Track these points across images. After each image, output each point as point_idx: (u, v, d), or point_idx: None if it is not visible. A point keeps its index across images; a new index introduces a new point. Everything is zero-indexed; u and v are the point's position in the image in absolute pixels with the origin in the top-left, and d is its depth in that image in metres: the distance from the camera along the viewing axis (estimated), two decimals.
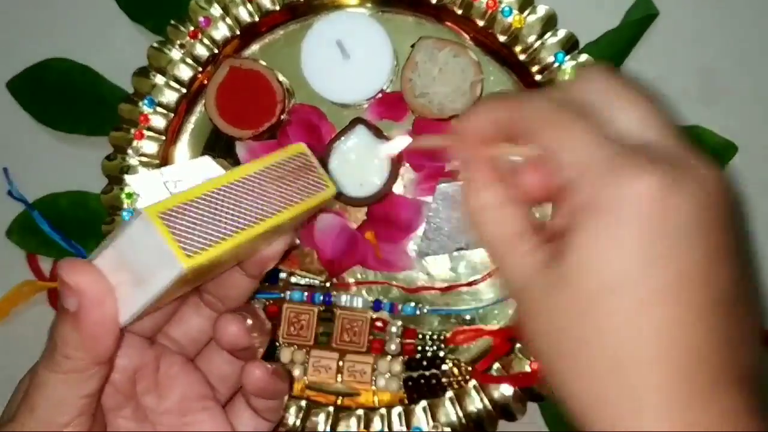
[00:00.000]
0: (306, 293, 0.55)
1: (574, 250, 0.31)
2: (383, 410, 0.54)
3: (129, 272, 0.32)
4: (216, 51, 0.56)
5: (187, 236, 0.32)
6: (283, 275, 0.55)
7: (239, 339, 0.38)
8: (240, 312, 0.39)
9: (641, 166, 0.30)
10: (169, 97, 0.56)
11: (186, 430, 0.39)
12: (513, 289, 0.34)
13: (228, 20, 0.55)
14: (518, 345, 0.54)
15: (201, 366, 0.41)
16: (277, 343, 0.55)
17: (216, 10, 0.55)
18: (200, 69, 0.56)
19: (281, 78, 0.55)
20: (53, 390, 0.35)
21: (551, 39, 0.53)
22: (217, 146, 0.56)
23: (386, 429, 0.54)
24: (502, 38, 0.54)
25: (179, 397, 0.39)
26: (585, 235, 0.31)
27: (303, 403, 0.55)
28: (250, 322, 0.39)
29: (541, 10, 0.53)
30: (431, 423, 0.54)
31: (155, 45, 0.55)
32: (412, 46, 0.53)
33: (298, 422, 0.55)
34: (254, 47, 0.57)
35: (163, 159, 0.56)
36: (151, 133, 0.56)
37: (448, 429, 0.54)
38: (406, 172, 0.55)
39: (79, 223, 0.57)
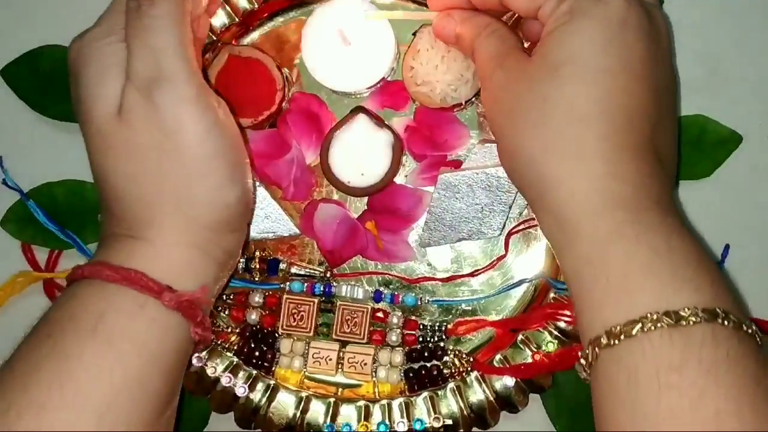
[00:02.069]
0: (306, 284, 0.55)
1: (548, 39, 0.43)
2: (384, 402, 0.54)
3: None
4: (215, 38, 0.55)
5: None
6: (282, 266, 0.55)
7: None
8: None
9: None
10: None
11: None
12: (494, 76, 0.46)
13: (227, 7, 0.55)
14: (520, 336, 0.54)
15: None
16: (277, 334, 0.55)
17: None
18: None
19: (281, 66, 0.54)
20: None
21: None
22: None
23: (387, 421, 0.54)
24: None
25: None
26: (560, 29, 0.43)
27: (303, 394, 0.55)
28: None
29: None
30: (432, 414, 0.54)
31: None
32: (414, 33, 0.52)
33: (297, 414, 0.54)
34: (254, 34, 0.56)
35: None
36: None
37: (450, 421, 0.53)
38: (408, 162, 0.55)
39: (75, 213, 0.56)
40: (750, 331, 0.38)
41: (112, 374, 0.41)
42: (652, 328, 0.37)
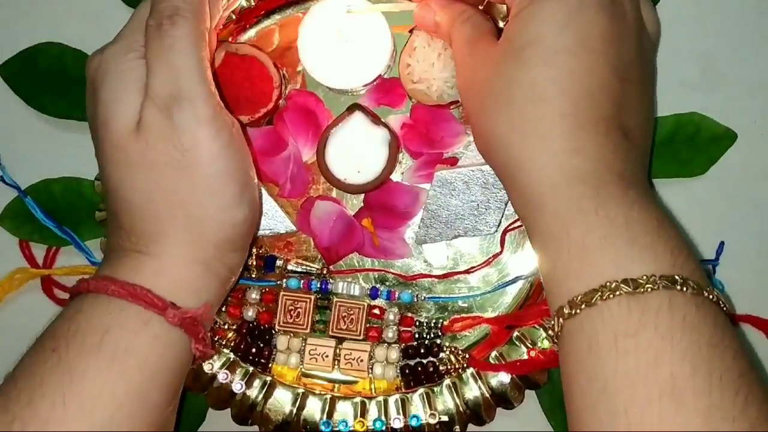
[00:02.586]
0: (302, 281, 0.55)
1: (513, 23, 0.45)
2: (380, 398, 0.54)
3: None
4: None
5: None
6: (279, 263, 0.55)
7: None
8: None
9: None
10: None
11: None
12: (467, 62, 0.47)
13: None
14: (516, 333, 0.54)
15: None
16: (274, 331, 0.55)
17: None
18: None
19: (278, 64, 0.54)
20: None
21: None
22: None
23: (383, 417, 0.54)
24: (501, 24, 0.53)
25: None
26: (523, 12, 0.44)
27: (299, 391, 0.55)
28: None
29: None
30: (428, 411, 0.54)
31: None
32: (411, 31, 0.53)
33: (294, 410, 0.54)
34: (251, 32, 0.56)
35: None
36: None
37: (446, 417, 0.54)
38: (405, 159, 0.55)
39: (73, 210, 0.57)
40: (711, 297, 0.40)
41: (114, 389, 0.42)
42: (611, 296, 0.39)
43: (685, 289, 0.39)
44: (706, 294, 0.39)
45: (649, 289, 0.38)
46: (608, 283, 0.39)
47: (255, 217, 0.49)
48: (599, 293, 0.39)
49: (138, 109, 0.44)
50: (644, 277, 0.39)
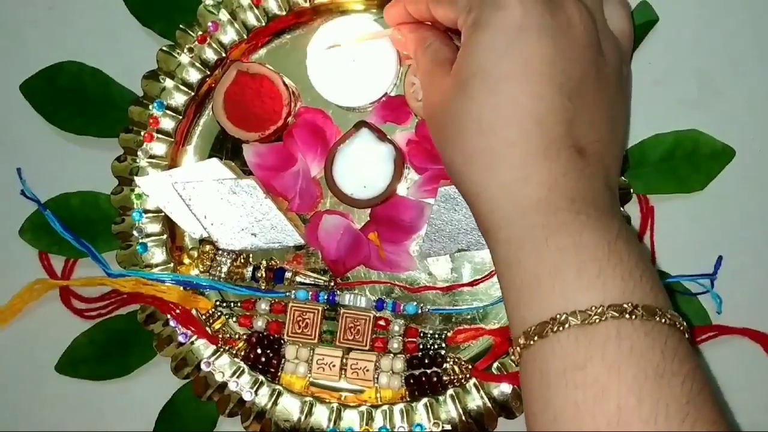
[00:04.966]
0: (311, 292, 0.56)
1: (461, 53, 0.45)
2: (385, 407, 0.56)
3: None
4: (224, 55, 0.57)
5: None
6: (288, 275, 0.56)
7: None
8: None
9: None
10: (178, 100, 0.57)
11: None
12: (428, 93, 0.48)
13: (236, 25, 0.56)
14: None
15: None
16: (283, 341, 0.56)
17: (224, 15, 0.56)
18: (208, 72, 0.57)
19: (287, 81, 0.56)
20: None
21: None
22: (225, 148, 0.58)
23: (388, 425, 0.55)
24: None
25: None
26: (467, 42, 0.44)
27: (307, 399, 0.56)
28: None
29: None
30: (432, 420, 0.55)
31: (164, 49, 0.56)
32: None
33: (302, 418, 0.56)
34: (261, 51, 0.58)
35: (172, 160, 0.57)
36: (160, 135, 0.57)
37: (449, 426, 0.55)
38: (410, 175, 0.56)
39: (90, 223, 0.58)
40: (663, 320, 0.39)
41: None
42: (560, 328, 0.39)
43: (633, 317, 0.38)
44: (657, 318, 0.39)
45: (597, 320, 0.38)
46: (558, 316, 0.39)
47: None
48: (550, 325, 0.39)
49: None
50: (592, 308, 0.39)
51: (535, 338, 0.40)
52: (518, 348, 0.41)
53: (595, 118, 0.44)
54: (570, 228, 0.41)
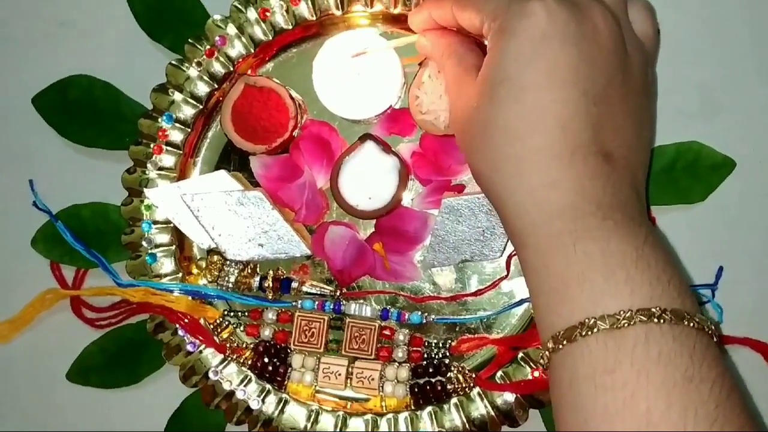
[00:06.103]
0: (317, 302, 0.57)
1: (487, 61, 0.45)
2: (390, 415, 0.56)
3: None
4: (231, 68, 0.57)
5: None
6: (295, 285, 0.57)
7: None
8: None
9: (535, 2, 0.43)
10: (187, 113, 0.58)
11: None
12: (454, 100, 0.49)
13: (243, 39, 0.57)
14: (521, 354, 0.55)
15: None
16: (289, 350, 0.57)
17: (231, 29, 0.57)
18: (216, 86, 0.57)
19: (294, 95, 0.56)
20: None
21: None
22: (232, 160, 0.58)
23: None
24: None
25: None
26: (493, 50, 0.45)
27: (313, 407, 0.57)
28: None
29: None
30: (436, 428, 0.55)
31: (173, 63, 0.57)
32: (420, 64, 0.55)
33: (308, 426, 0.56)
34: (268, 65, 0.59)
35: (181, 172, 0.58)
36: (169, 148, 0.58)
37: None
38: (414, 186, 0.57)
39: (100, 233, 0.59)
40: (692, 324, 0.39)
41: None
42: (589, 333, 0.39)
43: (662, 321, 0.39)
44: (686, 322, 0.39)
45: (626, 325, 0.39)
46: (587, 320, 0.40)
47: None
48: (579, 330, 0.40)
49: None
50: (621, 313, 0.39)
51: (564, 342, 0.40)
52: (547, 352, 0.42)
53: (621, 123, 0.45)
54: (597, 234, 0.41)
